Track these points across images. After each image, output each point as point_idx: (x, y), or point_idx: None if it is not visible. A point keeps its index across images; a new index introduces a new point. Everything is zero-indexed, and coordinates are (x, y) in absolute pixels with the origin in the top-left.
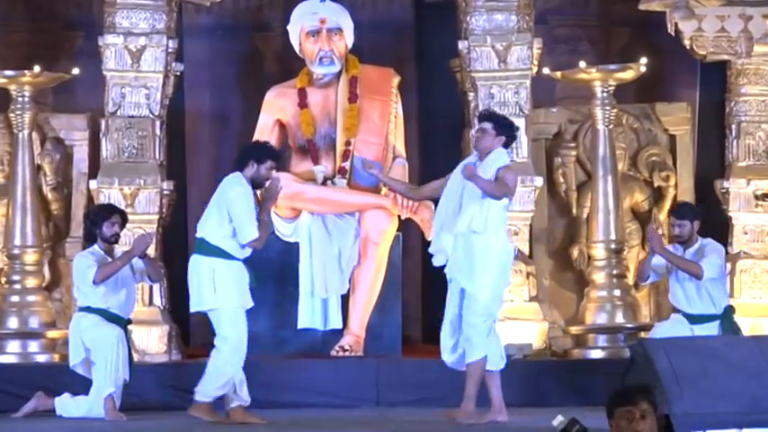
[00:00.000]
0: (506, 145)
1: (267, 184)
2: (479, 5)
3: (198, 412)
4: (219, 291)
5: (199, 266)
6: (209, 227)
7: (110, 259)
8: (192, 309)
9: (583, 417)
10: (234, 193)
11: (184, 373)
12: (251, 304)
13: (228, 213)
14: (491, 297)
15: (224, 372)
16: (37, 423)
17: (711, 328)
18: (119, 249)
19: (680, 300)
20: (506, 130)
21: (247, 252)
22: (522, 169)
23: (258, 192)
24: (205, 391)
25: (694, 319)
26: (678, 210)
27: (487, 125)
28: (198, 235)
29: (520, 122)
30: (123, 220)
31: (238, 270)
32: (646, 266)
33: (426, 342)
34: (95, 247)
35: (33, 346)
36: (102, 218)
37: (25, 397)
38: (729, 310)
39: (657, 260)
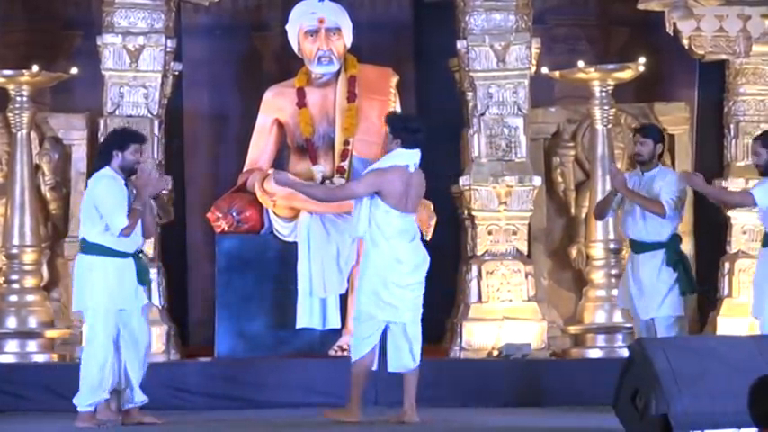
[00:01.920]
0: (408, 144)
1: (138, 170)
2: (478, 5)
3: (81, 422)
4: (91, 290)
5: (79, 265)
6: (85, 226)
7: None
8: (73, 308)
9: (583, 416)
10: (97, 188)
11: (183, 372)
12: (122, 306)
13: (97, 209)
14: (367, 301)
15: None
16: (39, 423)
17: (656, 257)
18: None
19: (628, 226)
20: (399, 131)
21: (133, 244)
22: (521, 169)
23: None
24: (80, 398)
25: (637, 247)
26: (643, 128)
27: (387, 128)
28: (79, 236)
29: (518, 122)
30: (142, 153)
31: (118, 268)
32: (604, 205)
33: (425, 341)
34: (113, 172)
35: (32, 345)
36: (130, 140)
37: (23, 396)
38: (674, 238)
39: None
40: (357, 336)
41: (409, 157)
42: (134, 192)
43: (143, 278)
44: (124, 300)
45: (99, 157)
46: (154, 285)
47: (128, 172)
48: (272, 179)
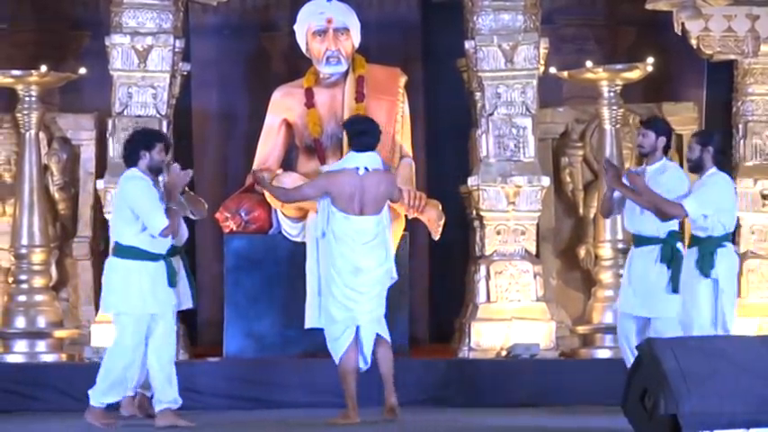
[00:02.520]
0: (356, 147)
1: (169, 170)
2: (486, 5)
3: (91, 417)
4: (126, 294)
5: (112, 268)
6: (119, 228)
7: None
8: (101, 311)
9: (592, 416)
10: (130, 190)
11: (192, 372)
12: (155, 311)
13: (132, 211)
14: (326, 303)
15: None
16: (47, 423)
17: (652, 253)
18: None
19: (627, 219)
20: (349, 135)
21: (166, 245)
22: (529, 169)
23: (161, 178)
24: (95, 393)
25: (635, 241)
26: (647, 120)
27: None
28: (112, 239)
29: (526, 122)
30: (167, 152)
31: (151, 272)
32: (606, 202)
33: (434, 341)
34: (140, 173)
35: (41, 345)
36: (156, 140)
37: (32, 396)
38: (673, 235)
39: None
40: (328, 339)
41: (359, 160)
42: (162, 191)
43: (173, 280)
44: (157, 304)
45: (126, 159)
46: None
47: (155, 172)
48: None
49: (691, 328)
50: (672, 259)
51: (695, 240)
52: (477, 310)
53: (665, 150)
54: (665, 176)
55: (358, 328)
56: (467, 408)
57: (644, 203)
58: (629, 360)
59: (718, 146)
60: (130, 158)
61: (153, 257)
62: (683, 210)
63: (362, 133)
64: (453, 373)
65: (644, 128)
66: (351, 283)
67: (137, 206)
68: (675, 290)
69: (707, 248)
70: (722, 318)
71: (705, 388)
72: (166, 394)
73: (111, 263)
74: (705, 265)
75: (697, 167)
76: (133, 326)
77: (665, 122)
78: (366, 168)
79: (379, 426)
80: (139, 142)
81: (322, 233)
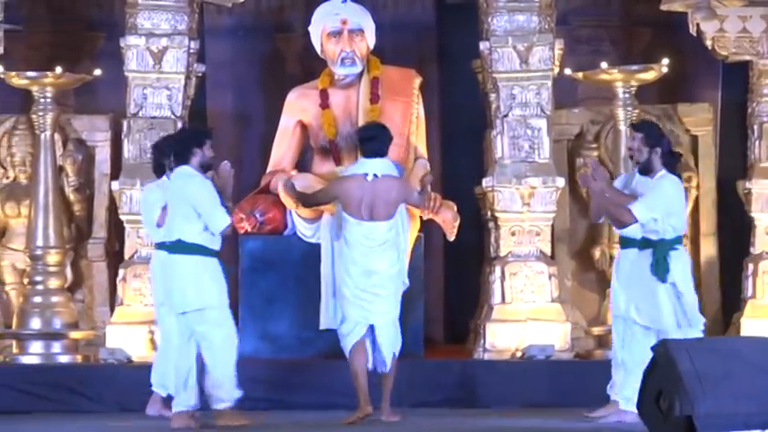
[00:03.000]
0: (365, 154)
1: (219, 167)
2: (501, 6)
3: (224, 420)
4: (211, 289)
5: (179, 266)
6: (181, 226)
7: None
8: (178, 310)
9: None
10: (193, 187)
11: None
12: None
13: (195, 208)
14: (346, 304)
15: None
16: (62, 424)
17: (639, 256)
18: None
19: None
20: (358, 141)
21: (220, 241)
22: (544, 170)
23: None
24: (223, 396)
25: (620, 242)
26: (636, 123)
27: None
28: (172, 237)
29: (541, 123)
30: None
31: (217, 267)
32: (592, 207)
33: (449, 343)
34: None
35: (56, 346)
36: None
37: (47, 397)
38: (663, 243)
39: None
40: (340, 337)
41: (368, 166)
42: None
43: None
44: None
45: (177, 157)
46: None
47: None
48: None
49: (656, 332)
50: (658, 269)
51: (648, 243)
52: (492, 312)
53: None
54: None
55: (373, 329)
56: (481, 409)
57: (596, 209)
58: (617, 362)
59: (667, 147)
60: (182, 156)
61: (214, 254)
62: (632, 215)
63: (370, 139)
64: (468, 374)
65: (633, 131)
66: (363, 285)
67: (199, 204)
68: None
69: (660, 252)
70: (686, 321)
71: (720, 389)
72: (231, 392)
73: (181, 261)
74: (660, 270)
75: (646, 170)
76: (228, 319)
77: (655, 128)
78: (375, 175)
79: (397, 427)
80: (191, 140)
81: (337, 236)
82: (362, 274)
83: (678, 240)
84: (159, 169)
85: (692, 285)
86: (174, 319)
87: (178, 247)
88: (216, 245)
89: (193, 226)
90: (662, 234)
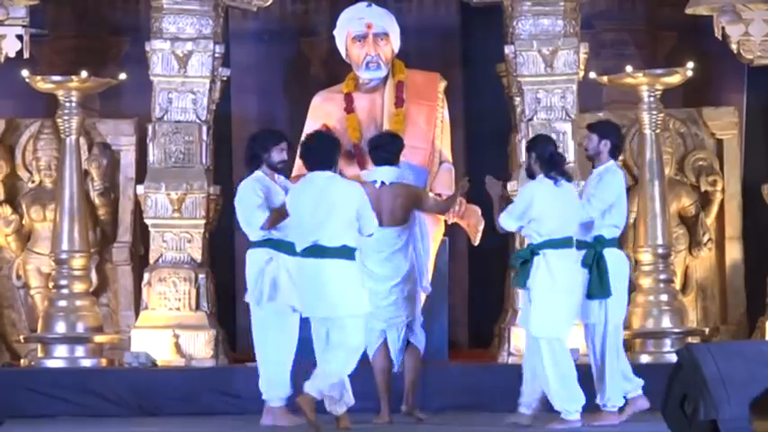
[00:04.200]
0: (374, 162)
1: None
2: (526, 10)
3: (302, 402)
4: (361, 296)
5: (348, 271)
6: (341, 231)
7: (274, 187)
8: (328, 313)
9: (632, 422)
10: (355, 193)
11: (232, 377)
12: None
13: (357, 212)
14: None
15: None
16: (86, 427)
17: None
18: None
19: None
20: (368, 149)
21: None
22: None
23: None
24: (316, 385)
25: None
26: (592, 124)
27: None
28: (337, 243)
29: (566, 127)
30: (290, 148)
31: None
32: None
33: (473, 346)
34: (260, 173)
35: (80, 350)
36: (273, 142)
37: (72, 401)
38: (597, 239)
39: None
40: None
41: (377, 174)
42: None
43: None
44: None
45: (319, 161)
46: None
47: (277, 170)
48: None
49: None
50: (592, 264)
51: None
52: (517, 316)
53: (614, 153)
54: (600, 182)
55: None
56: (505, 412)
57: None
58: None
59: (546, 154)
60: (325, 161)
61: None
62: (499, 224)
63: (375, 148)
64: (492, 378)
65: (588, 131)
66: (376, 290)
67: (363, 209)
68: (593, 296)
69: (522, 256)
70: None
71: (745, 393)
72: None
73: (347, 266)
74: (519, 274)
75: (530, 175)
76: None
77: (610, 125)
78: (383, 182)
79: (421, 431)
80: (323, 147)
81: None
82: (374, 279)
83: (546, 245)
84: (254, 162)
85: (554, 293)
86: (290, 318)
87: (347, 251)
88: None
89: (354, 231)
90: (529, 239)
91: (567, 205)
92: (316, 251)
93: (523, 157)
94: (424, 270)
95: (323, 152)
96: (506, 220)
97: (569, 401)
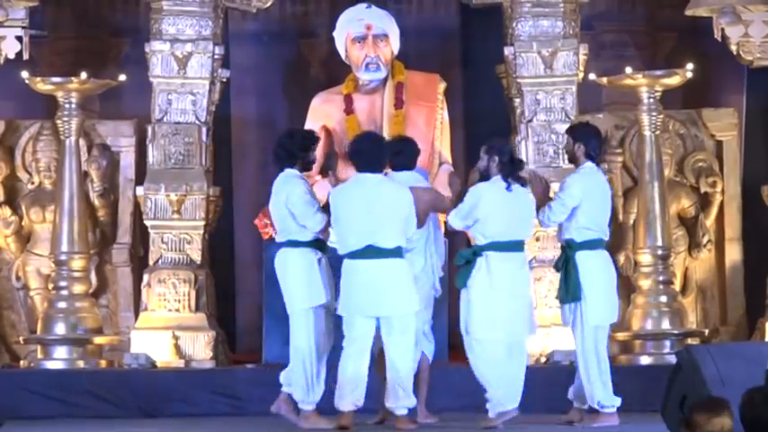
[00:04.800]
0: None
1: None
2: (525, 11)
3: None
4: (415, 293)
5: (405, 270)
6: (397, 233)
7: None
8: (391, 312)
9: (631, 423)
10: (405, 193)
11: (231, 378)
12: None
13: (407, 214)
14: None
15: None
16: (85, 429)
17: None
18: None
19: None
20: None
21: None
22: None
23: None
24: (400, 400)
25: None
26: (569, 127)
27: None
28: (393, 244)
29: (566, 128)
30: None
31: None
32: None
33: None
34: (296, 171)
35: (80, 351)
36: (314, 142)
37: (71, 403)
38: (568, 243)
39: None
40: None
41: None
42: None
43: None
44: None
45: (371, 163)
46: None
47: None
48: None
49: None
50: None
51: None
52: None
53: (591, 157)
54: (564, 186)
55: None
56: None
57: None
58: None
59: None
60: (375, 163)
61: None
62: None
63: (397, 153)
64: None
65: (565, 133)
66: None
67: (407, 209)
68: (563, 300)
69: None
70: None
71: None
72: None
73: (392, 264)
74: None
75: (484, 178)
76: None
77: (587, 128)
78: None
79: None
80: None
81: None
82: None
83: (490, 247)
84: (289, 160)
85: (492, 295)
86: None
87: (397, 252)
88: None
89: (404, 232)
90: (476, 240)
91: (516, 209)
92: (371, 253)
93: (524, 158)
94: (435, 272)
95: (373, 154)
96: (453, 219)
97: (507, 401)
